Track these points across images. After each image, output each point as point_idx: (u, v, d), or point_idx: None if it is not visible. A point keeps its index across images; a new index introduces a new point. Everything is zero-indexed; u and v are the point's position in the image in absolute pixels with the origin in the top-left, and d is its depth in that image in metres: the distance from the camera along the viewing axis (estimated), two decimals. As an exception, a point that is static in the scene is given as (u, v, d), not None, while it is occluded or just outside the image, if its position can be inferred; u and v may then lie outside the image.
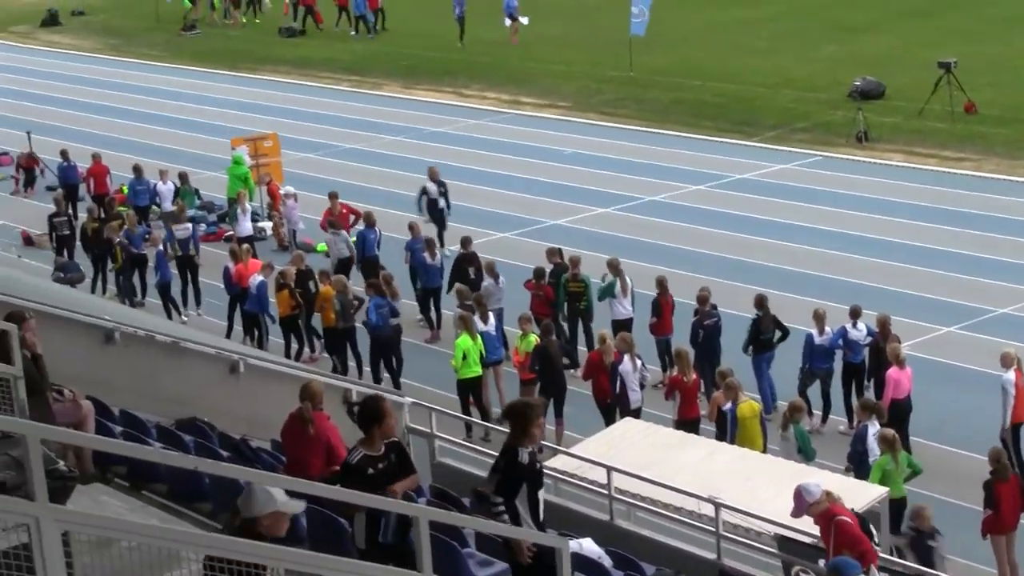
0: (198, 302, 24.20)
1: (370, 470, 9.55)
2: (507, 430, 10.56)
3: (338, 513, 10.85)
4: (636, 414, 17.66)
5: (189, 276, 24.15)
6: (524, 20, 44.04)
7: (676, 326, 20.22)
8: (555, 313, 21.14)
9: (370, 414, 9.60)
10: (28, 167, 32.11)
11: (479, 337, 19.31)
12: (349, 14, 48.69)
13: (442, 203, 25.59)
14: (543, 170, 31.23)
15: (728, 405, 16.68)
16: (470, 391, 19.25)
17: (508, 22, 44.13)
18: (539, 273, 21.30)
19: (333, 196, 25.25)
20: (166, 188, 27.88)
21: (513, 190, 29.93)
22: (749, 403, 16.72)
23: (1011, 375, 16.75)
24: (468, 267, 22.29)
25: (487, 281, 21.39)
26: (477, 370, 19.17)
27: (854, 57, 38.41)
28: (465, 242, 22.72)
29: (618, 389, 17.95)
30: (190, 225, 25.01)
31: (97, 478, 12.44)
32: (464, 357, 18.99)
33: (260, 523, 8.05)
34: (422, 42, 45.25)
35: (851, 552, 10.50)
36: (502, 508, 9.71)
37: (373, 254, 23.57)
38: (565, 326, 21.25)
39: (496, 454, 11.62)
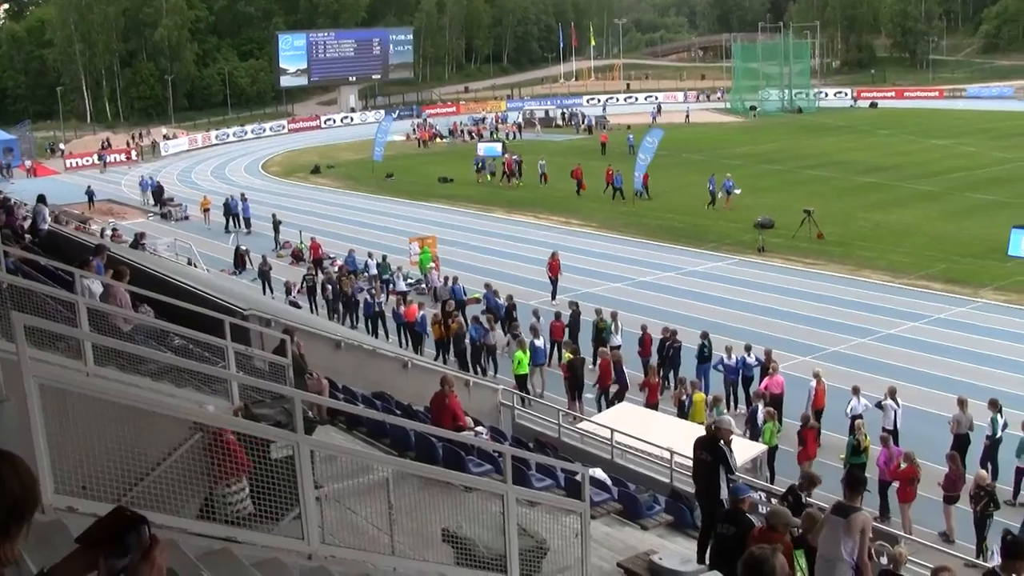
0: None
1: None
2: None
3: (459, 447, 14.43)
4: (621, 397, 24.60)
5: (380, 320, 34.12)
6: (737, 191, 53.61)
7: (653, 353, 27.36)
8: (575, 337, 29.20)
9: None
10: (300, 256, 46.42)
11: (528, 350, 26.74)
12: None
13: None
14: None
15: (684, 397, 22.88)
16: (523, 381, 26.54)
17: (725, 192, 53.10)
18: (558, 315, 30.06)
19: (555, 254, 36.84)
20: (372, 263, 40.29)
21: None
22: (701, 395, 23.03)
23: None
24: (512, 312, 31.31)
25: (536, 320, 29.32)
26: (525, 369, 26.64)
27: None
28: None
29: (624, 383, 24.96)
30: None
31: (328, 423, 14.41)
32: (519, 363, 26.50)
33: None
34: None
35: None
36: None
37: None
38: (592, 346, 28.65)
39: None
